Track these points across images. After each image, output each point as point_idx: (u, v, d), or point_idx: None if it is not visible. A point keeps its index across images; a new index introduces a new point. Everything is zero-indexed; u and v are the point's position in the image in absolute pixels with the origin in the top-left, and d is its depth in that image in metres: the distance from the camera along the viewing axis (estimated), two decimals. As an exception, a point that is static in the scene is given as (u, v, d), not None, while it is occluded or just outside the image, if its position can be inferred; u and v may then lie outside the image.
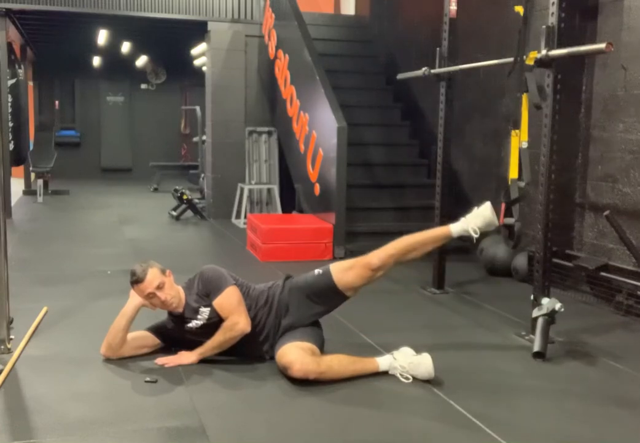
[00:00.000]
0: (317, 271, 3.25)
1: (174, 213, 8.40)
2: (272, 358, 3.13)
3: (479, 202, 3.29)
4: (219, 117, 8.28)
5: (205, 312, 3.16)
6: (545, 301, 3.56)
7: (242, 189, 7.99)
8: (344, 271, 3.19)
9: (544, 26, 3.55)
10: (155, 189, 11.69)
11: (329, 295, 3.21)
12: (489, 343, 3.69)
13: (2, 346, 3.29)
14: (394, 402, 2.82)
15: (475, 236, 3.23)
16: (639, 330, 3.98)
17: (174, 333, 3.27)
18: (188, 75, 13.78)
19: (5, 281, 3.35)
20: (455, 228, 3.26)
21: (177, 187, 8.50)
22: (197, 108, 11.05)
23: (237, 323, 3.08)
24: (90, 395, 2.82)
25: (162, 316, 3.35)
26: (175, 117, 14.69)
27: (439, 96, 4.80)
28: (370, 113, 7.63)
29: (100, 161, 14.34)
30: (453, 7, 4.64)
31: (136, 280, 3.11)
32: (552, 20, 3.55)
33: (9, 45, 8.33)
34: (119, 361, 3.19)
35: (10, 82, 8.42)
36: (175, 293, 3.17)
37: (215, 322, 3.14)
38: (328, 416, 2.67)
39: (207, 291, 3.17)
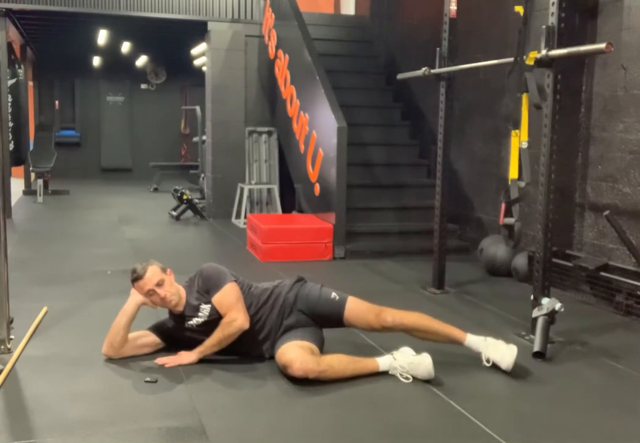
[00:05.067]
0: (334, 294, 3.26)
1: (174, 213, 8.40)
2: (272, 357, 3.14)
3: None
4: (219, 117, 8.28)
5: (205, 309, 3.17)
6: (545, 301, 3.56)
7: (242, 189, 7.98)
8: (357, 311, 3.21)
9: (544, 26, 3.55)
10: (155, 189, 11.69)
11: (329, 320, 3.25)
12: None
13: (2, 346, 3.30)
14: (394, 402, 2.82)
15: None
16: (639, 330, 3.98)
17: (174, 332, 3.27)
18: (188, 75, 13.77)
19: (5, 281, 3.35)
20: (472, 339, 3.20)
21: (177, 187, 8.49)
22: (197, 108, 11.05)
23: (235, 319, 3.08)
24: (90, 395, 2.82)
25: (163, 315, 3.35)
26: (175, 117, 14.68)
27: (439, 96, 4.80)
28: (370, 113, 7.63)
29: (100, 161, 14.33)
30: (453, 7, 4.64)
31: (136, 277, 3.13)
32: (552, 20, 3.55)
33: (9, 45, 8.34)
34: (119, 361, 3.19)
35: (10, 82, 8.43)
36: (175, 291, 3.18)
37: (215, 319, 3.14)
38: (328, 416, 2.67)
39: (207, 288, 3.19)
